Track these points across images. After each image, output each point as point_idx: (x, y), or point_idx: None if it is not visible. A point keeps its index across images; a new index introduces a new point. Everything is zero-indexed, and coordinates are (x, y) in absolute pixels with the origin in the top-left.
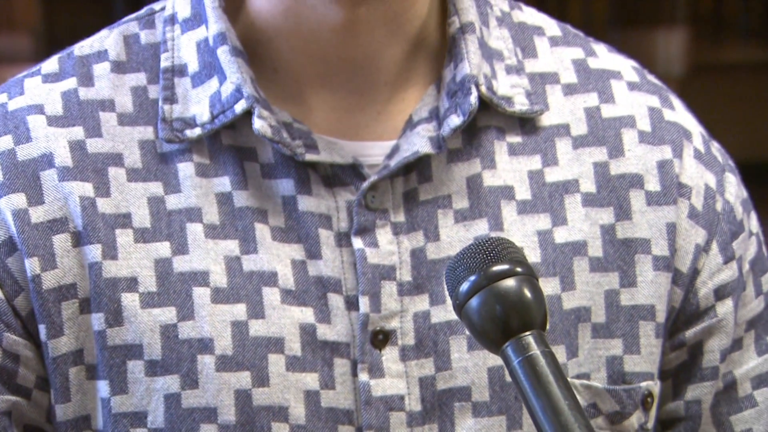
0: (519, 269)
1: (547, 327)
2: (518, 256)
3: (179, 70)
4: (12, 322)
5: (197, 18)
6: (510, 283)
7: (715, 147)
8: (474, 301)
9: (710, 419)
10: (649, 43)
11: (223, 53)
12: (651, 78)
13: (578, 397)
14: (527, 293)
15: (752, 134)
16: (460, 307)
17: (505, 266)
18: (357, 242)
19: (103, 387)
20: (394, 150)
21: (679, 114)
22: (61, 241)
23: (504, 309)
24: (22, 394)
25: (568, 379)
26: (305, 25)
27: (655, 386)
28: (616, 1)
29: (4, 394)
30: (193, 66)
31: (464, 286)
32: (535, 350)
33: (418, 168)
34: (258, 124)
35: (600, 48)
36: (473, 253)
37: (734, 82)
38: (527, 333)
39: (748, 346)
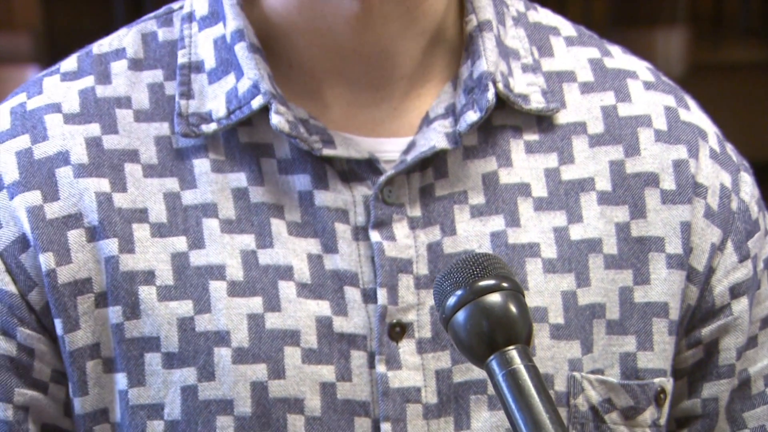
0: (505, 284)
1: (532, 342)
2: (505, 272)
3: (196, 67)
4: (26, 317)
5: (215, 15)
6: (496, 298)
7: (730, 147)
8: (460, 315)
9: (725, 416)
10: (649, 43)
11: (240, 49)
12: (666, 79)
13: (593, 392)
14: (512, 308)
15: (752, 134)
16: (446, 321)
17: (491, 281)
18: (374, 235)
19: (121, 379)
20: (411, 146)
21: (695, 114)
22: (75, 237)
23: (489, 323)
24: (38, 388)
25: (583, 374)
26: (320, 18)
27: (667, 383)
28: (616, 1)
29: (21, 388)
30: (210, 62)
31: (451, 300)
32: (519, 364)
33: (434, 164)
34: (275, 119)
35: (615, 49)
36: (460, 268)
37: (734, 82)
38: (511, 347)
39: (763, 344)
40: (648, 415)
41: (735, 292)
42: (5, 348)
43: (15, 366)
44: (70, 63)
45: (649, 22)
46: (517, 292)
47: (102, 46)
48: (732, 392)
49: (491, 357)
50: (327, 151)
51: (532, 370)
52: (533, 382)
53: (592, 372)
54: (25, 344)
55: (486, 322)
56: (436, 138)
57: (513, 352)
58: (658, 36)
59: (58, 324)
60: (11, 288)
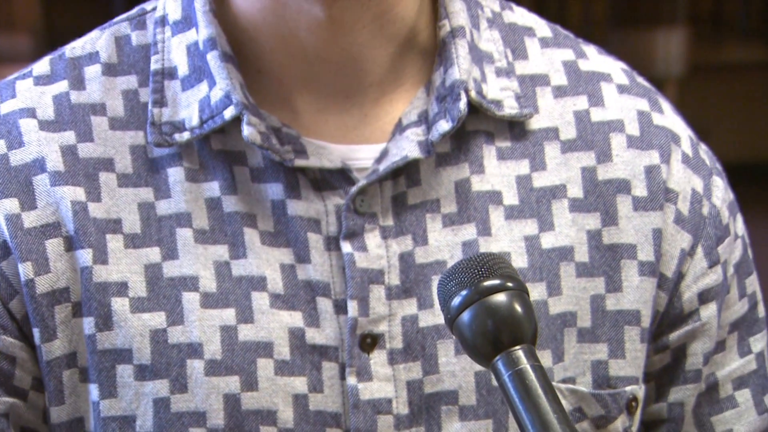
0: (510, 284)
1: (537, 342)
2: (509, 272)
3: (169, 73)
4: (8, 325)
5: (187, 21)
6: (501, 297)
7: (703, 150)
8: (465, 315)
9: (692, 420)
10: (649, 43)
11: (212, 58)
12: (640, 80)
13: (563, 401)
14: (518, 308)
15: (752, 134)
16: (451, 321)
17: (496, 281)
18: (346, 246)
19: (93, 390)
20: (383, 154)
21: (668, 118)
22: (53, 246)
23: (495, 323)
24: (18, 395)
25: (554, 383)
26: (283, 23)
27: (639, 390)
28: (616, 1)
29: (1, 396)
30: (182, 69)
31: (456, 301)
32: (525, 364)
33: (406, 172)
34: (247, 131)
35: (590, 50)
36: (465, 268)
37: (734, 82)
38: (517, 347)
39: (731, 348)
40: (619, 423)
41: (704, 297)
42: None
43: None
44: (42, 66)
45: (649, 22)
46: (522, 291)
47: (75, 49)
48: (699, 396)
49: (497, 357)
50: (299, 162)
51: (539, 370)
52: (540, 382)
53: (564, 381)
54: (6, 352)
55: (491, 322)
56: (409, 147)
57: (519, 352)
58: (658, 36)
59: (36, 333)
60: None
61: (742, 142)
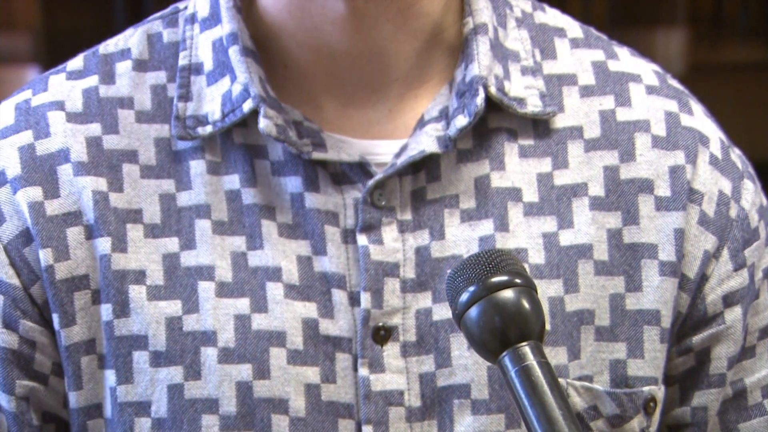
0: (518, 280)
1: (545, 338)
2: (517, 268)
3: (196, 69)
4: (29, 310)
5: (214, 17)
6: (509, 294)
7: (735, 154)
8: (473, 311)
9: (718, 426)
10: (649, 43)
11: (233, 53)
12: (672, 82)
13: (578, 399)
14: (525, 304)
15: (752, 134)
16: (459, 317)
17: (504, 277)
18: (361, 239)
19: (110, 376)
20: (403, 149)
21: (698, 119)
22: (74, 234)
23: (502, 319)
24: (39, 379)
25: (569, 380)
26: (307, 18)
27: (658, 391)
28: (616, 1)
29: (22, 380)
30: (208, 65)
31: (464, 297)
32: (532, 360)
33: (427, 167)
34: (263, 123)
35: (623, 51)
36: (473, 264)
37: (734, 82)
38: (524, 343)
39: (761, 355)
40: (636, 423)
41: (728, 300)
42: (8, 340)
43: (17, 358)
44: (76, 62)
45: (649, 22)
46: (529, 288)
47: (108, 46)
48: (727, 402)
49: (504, 353)
50: (317, 155)
51: (545, 366)
52: (546, 378)
53: (580, 378)
54: (26, 337)
55: (499, 318)
56: (427, 141)
57: (526, 348)
58: (658, 36)
59: (56, 318)
60: (15, 281)
61: (742, 141)
